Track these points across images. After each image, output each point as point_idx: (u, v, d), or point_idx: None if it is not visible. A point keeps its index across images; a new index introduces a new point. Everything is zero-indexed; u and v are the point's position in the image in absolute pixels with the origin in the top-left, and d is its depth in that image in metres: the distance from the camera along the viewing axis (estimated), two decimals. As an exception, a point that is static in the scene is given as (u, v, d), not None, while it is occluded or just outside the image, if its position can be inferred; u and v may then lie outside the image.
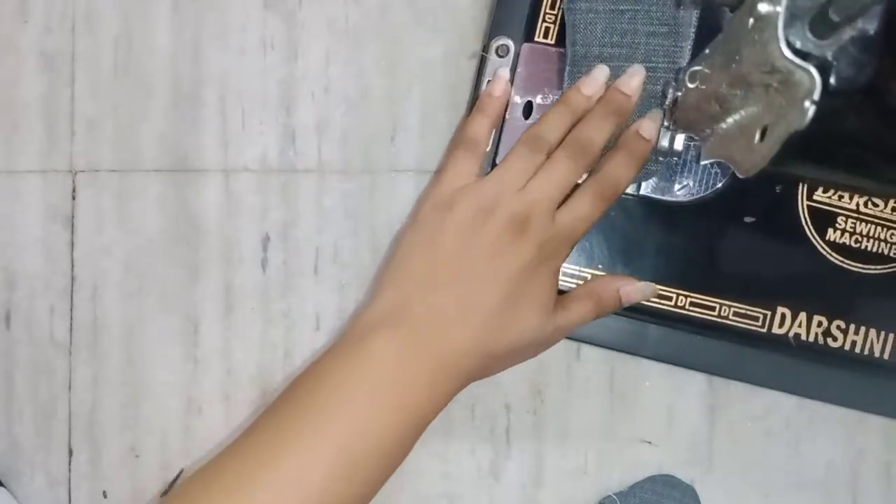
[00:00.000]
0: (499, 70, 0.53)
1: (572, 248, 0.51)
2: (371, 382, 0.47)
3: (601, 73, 0.52)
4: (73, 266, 0.58)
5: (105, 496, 0.57)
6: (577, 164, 0.50)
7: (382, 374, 0.47)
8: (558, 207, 0.50)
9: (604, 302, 0.52)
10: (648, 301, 0.54)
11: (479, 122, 0.52)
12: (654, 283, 0.53)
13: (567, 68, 0.53)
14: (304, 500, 0.44)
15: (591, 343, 0.55)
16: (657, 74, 0.52)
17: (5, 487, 0.56)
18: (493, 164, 0.54)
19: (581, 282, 0.54)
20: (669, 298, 0.54)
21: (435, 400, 0.48)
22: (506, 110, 0.54)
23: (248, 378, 0.57)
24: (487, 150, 0.53)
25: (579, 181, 0.51)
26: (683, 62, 0.52)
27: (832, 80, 0.37)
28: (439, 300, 0.48)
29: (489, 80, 0.54)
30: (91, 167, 0.57)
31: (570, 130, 0.51)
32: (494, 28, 0.54)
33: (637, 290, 0.52)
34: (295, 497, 0.44)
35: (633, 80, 0.51)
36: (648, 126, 0.51)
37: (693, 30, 0.51)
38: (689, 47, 0.52)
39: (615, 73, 0.52)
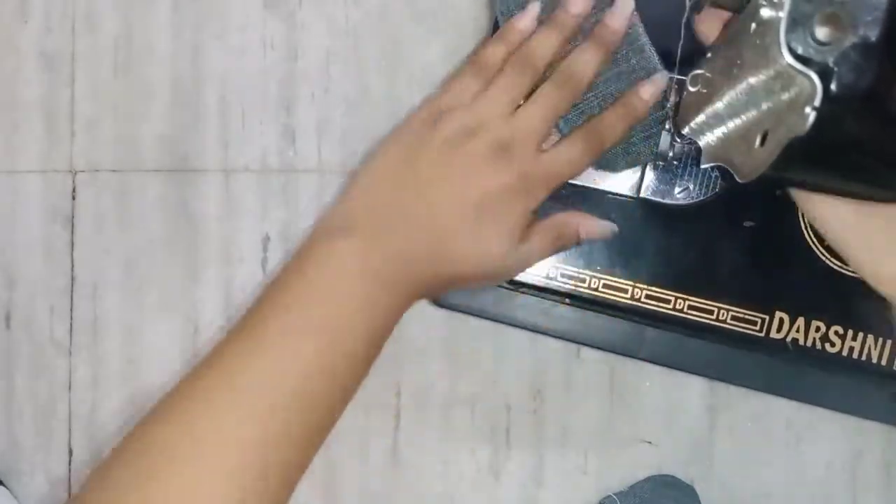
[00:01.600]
0: (531, 4, 0.51)
1: (550, 190, 0.50)
2: (337, 284, 0.46)
3: None
4: (73, 266, 0.58)
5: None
6: (564, 96, 0.50)
7: (349, 276, 0.47)
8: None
9: (564, 238, 0.52)
10: (647, 304, 0.54)
11: (495, 48, 0.51)
12: (613, 224, 0.53)
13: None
14: (284, 398, 0.44)
15: (588, 345, 0.55)
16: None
17: (5, 487, 0.56)
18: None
19: (581, 283, 0.54)
20: (668, 301, 0.54)
21: (396, 309, 0.48)
22: None
23: (248, 378, 0.57)
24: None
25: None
26: None
27: (833, 86, 0.36)
28: (409, 208, 0.48)
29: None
30: (91, 167, 0.57)
31: (557, 57, 0.51)
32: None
33: (596, 227, 0.52)
34: (277, 393, 0.44)
35: (621, 15, 0.50)
36: (648, 89, 0.51)
37: None
38: None
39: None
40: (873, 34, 0.36)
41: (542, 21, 0.51)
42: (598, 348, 0.55)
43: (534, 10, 0.51)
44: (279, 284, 0.48)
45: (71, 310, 0.58)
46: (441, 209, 0.48)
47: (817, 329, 0.53)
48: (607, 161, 0.52)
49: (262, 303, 0.47)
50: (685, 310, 0.54)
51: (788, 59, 0.37)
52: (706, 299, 0.54)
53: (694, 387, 0.56)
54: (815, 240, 0.53)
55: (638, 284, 0.54)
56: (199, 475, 0.42)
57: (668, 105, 0.51)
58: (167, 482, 0.41)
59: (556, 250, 0.52)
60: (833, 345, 0.53)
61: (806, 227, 0.53)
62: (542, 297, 0.55)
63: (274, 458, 0.43)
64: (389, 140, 0.51)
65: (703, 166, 0.50)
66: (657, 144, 0.52)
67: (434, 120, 0.49)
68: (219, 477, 0.42)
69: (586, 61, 0.50)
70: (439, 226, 0.48)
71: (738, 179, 0.42)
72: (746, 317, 0.54)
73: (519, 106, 0.50)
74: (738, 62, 0.42)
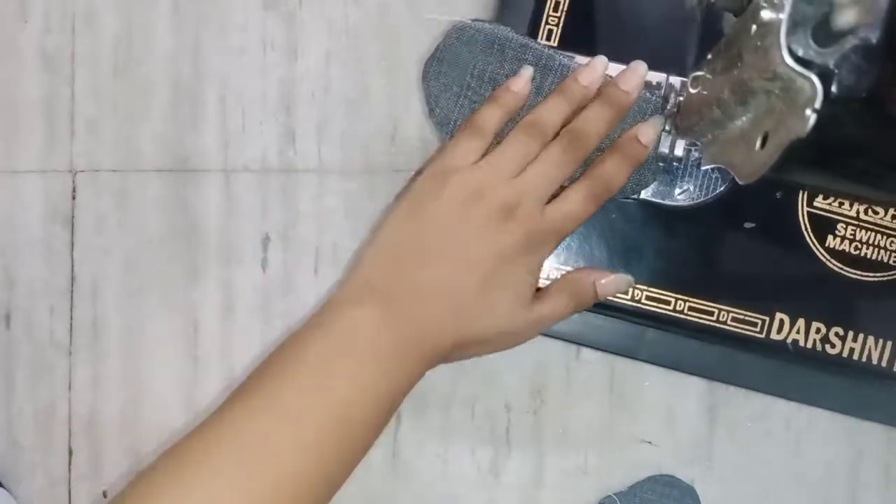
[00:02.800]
0: (525, 69, 0.52)
1: (558, 243, 0.51)
2: (349, 356, 0.46)
3: (600, 63, 0.51)
4: (73, 266, 0.58)
5: (105, 496, 0.57)
6: (571, 158, 0.50)
7: (363, 349, 0.47)
8: (550, 201, 0.50)
9: (581, 296, 0.52)
10: (647, 305, 0.54)
11: (490, 111, 0.52)
12: (629, 275, 0.53)
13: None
14: (287, 469, 0.44)
15: (588, 346, 0.55)
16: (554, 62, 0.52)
17: (5, 488, 0.56)
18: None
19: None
20: (668, 302, 0.54)
21: (410, 378, 0.48)
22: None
23: (248, 378, 0.57)
24: (491, 140, 0.52)
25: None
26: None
27: (834, 89, 0.36)
28: (422, 279, 0.48)
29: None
30: (91, 167, 0.57)
31: (568, 120, 0.51)
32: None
33: (612, 282, 0.52)
34: (279, 465, 0.44)
35: (634, 76, 0.51)
36: (647, 132, 0.51)
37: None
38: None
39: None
40: (874, 36, 0.36)
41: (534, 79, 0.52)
42: (598, 349, 0.55)
43: (527, 72, 0.52)
44: (287, 353, 0.48)
45: (71, 310, 0.57)
46: (450, 276, 0.48)
47: (818, 330, 0.53)
48: (632, 186, 0.53)
49: (267, 372, 0.47)
50: (685, 311, 0.54)
51: (789, 61, 0.37)
52: (706, 300, 0.54)
53: (694, 387, 0.56)
54: (815, 241, 0.53)
55: (638, 285, 0.54)
56: None
57: (669, 106, 0.51)
58: None
59: (575, 309, 0.52)
60: (833, 346, 0.53)
61: (806, 228, 0.53)
62: (543, 298, 0.55)
63: None
64: (395, 208, 0.51)
65: (703, 168, 0.50)
66: (657, 148, 0.52)
67: (439, 184, 0.49)
68: None
69: (596, 124, 0.50)
70: (449, 293, 0.48)
71: (738, 181, 0.42)
72: (747, 318, 0.54)
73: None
74: (739, 63, 0.42)
